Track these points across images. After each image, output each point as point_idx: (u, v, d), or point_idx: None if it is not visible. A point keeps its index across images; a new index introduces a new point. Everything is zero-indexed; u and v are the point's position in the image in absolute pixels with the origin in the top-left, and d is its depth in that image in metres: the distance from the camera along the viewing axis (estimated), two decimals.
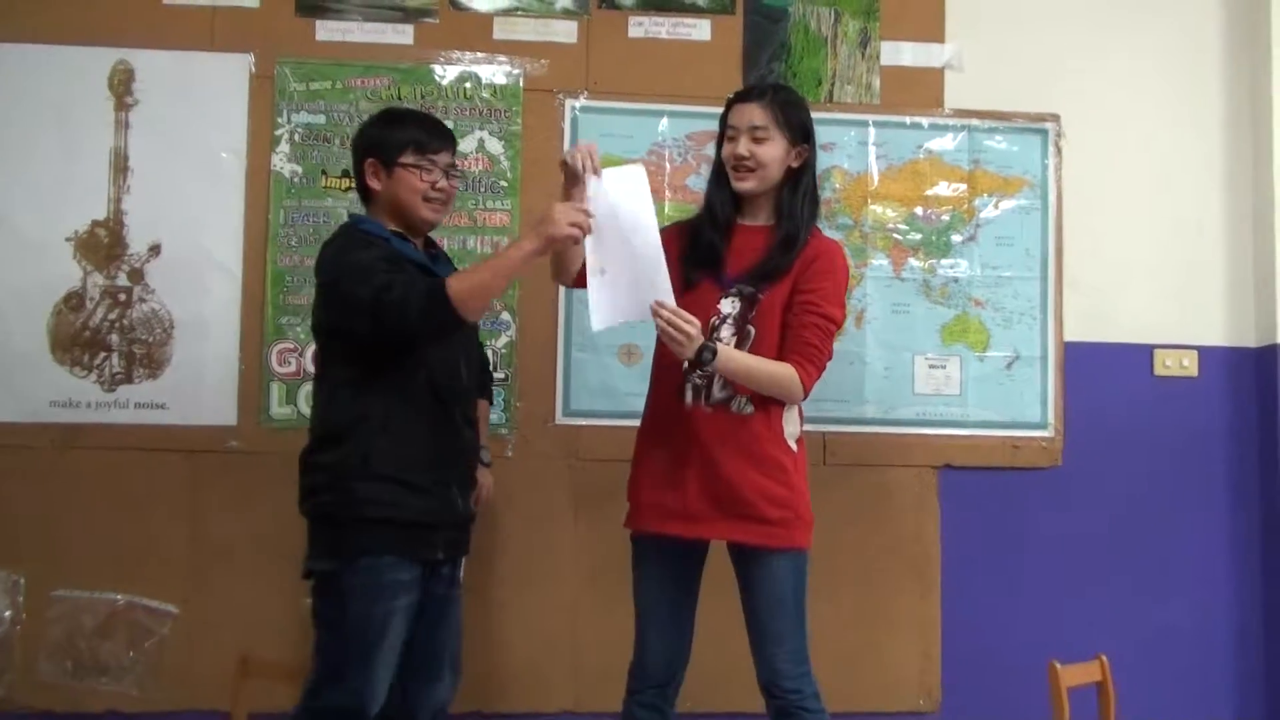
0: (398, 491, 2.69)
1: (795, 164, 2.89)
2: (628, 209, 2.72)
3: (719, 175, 2.94)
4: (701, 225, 2.92)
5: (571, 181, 2.79)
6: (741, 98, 2.93)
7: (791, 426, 2.87)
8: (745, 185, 2.88)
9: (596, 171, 2.73)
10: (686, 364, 2.81)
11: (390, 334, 2.65)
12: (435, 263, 2.89)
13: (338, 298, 2.72)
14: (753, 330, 2.82)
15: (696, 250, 2.88)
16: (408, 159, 2.80)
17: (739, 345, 2.81)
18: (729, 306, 2.84)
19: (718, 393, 2.82)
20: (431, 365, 2.75)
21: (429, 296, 2.59)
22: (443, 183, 2.85)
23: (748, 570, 2.87)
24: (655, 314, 2.67)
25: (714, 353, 2.70)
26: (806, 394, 2.81)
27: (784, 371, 2.78)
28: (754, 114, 2.86)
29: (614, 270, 2.70)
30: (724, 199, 2.92)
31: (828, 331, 2.82)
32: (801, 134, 2.89)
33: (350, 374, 2.76)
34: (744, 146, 2.85)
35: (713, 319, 2.84)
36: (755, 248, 2.87)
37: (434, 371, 2.76)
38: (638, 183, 2.75)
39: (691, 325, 2.67)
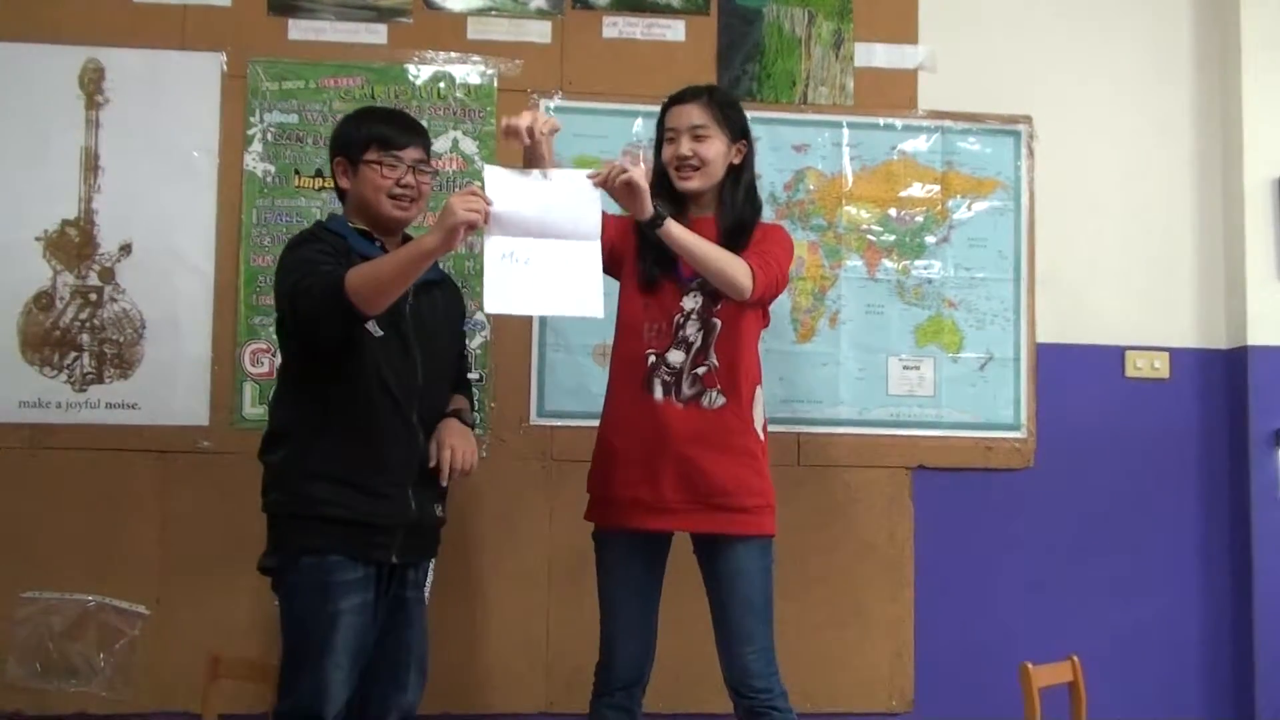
0: (343, 492, 2.65)
1: (736, 160, 2.95)
2: (566, 210, 2.66)
3: (662, 179, 2.92)
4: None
5: (528, 154, 2.75)
6: (678, 99, 2.95)
7: (759, 415, 2.91)
8: (689, 185, 2.90)
9: (541, 135, 2.68)
10: (651, 355, 2.86)
11: (303, 324, 2.64)
12: None
13: (274, 290, 2.78)
14: (718, 323, 2.85)
15: (649, 249, 2.89)
16: (371, 156, 2.77)
17: (704, 339, 2.86)
18: (691, 302, 2.87)
19: (687, 389, 2.85)
20: (380, 365, 2.70)
21: (327, 286, 2.56)
22: (408, 179, 2.79)
23: (716, 566, 2.88)
24: (611, 176, 2.65)
25: (665, 215, 2.72)
26: (754, 292, 2.78)
27: (731, 257, 2.78)
28: (693, 114, 2.90)
29: (534, 261, 2.62)
30: (671, 197, 2.91)
31: (779, 261, 2.87)
32: (740, 131, 2.95)
33: (297, 372, 2.76)
34: (686, 146, 2.89)
35: (676, 316, 2.87)
36: (705, 239, 2.84)
37: (383, 371, 2.70)
38: (584, 189, 2.68)
39: (638, 170, 2.68)
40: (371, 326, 2.68)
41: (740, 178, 2.96)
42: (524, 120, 2.69)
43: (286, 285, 2.66)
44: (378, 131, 2.80)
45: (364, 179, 2.78)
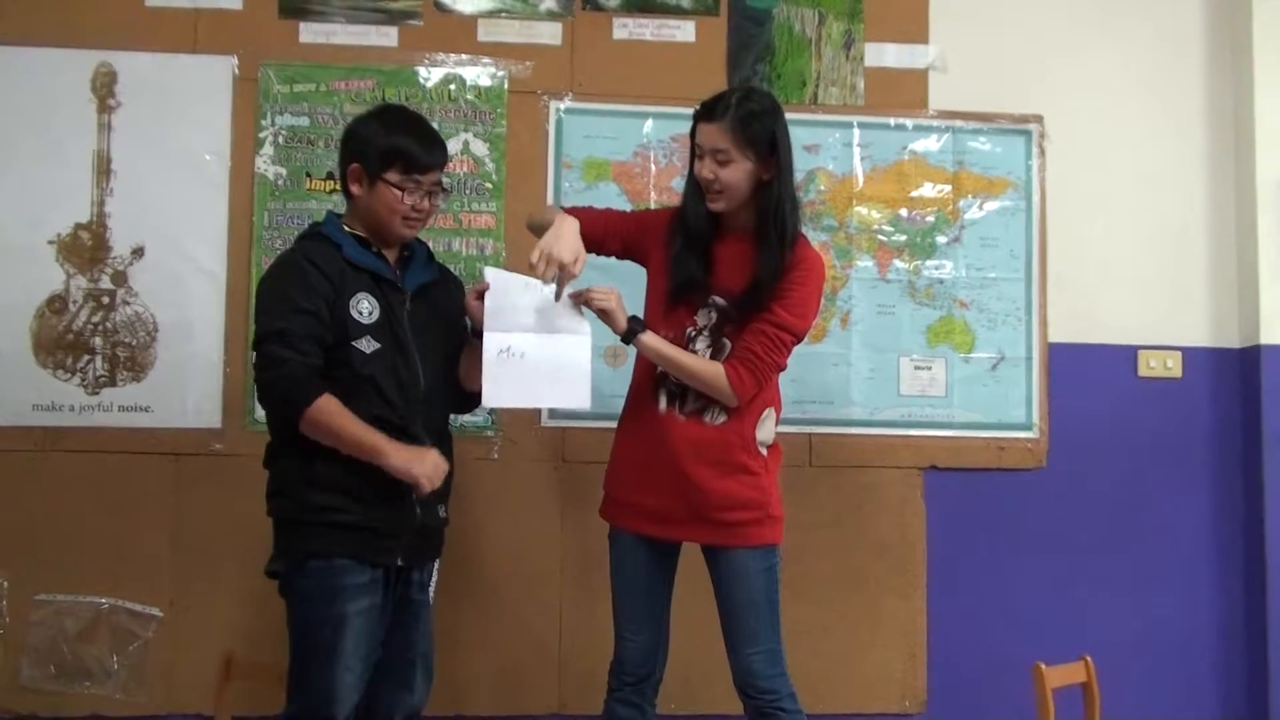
0: (348, 499, 2.64)
1: (767, 176, 2.81)
2: (556, 311, 2.82)
3: (695, 189, 2.87)
4: (682, 253, 2.87)
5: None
6: (703, 116, 2.82)
7: (764, 434, 2.89)
8: (716, 207, 2.84)
9: (562, 283, 2.79)
10: (658, 369, 2.86)
11: (256, 378, 2.70)
12: (408, 265, 2.83)
13: (256, 303, 2.77)
14: (727, 343, 2.83)
15: (680, 274, 2.86)
16: (392, 176, 2.70)
17: (714, 357, 2.83)
18: (704, 319, 2.86)
19: (692, 403, 2.84)
20: (377, 376, 2.68)
21: (291, 387, 2.61)
22: (424, 204, 2.76)
23: (719, 570, 2.89)
24: (593, 301, 2.81)
25: (638, 330, 2.80)
26: (743, 398, 2.80)
27: (710, 370, 2.80)
28: (715, 137, 2.78)
29: (528, 355, 2.77)
30: (699, 213, 2.86)
31: (778, 340, 2.81)
32: (768, 147, 2.79)
33: None
34: (708, 170, 2.80)
35: (688, 329, 2.86)
36: (739, 254, 2.85)
37: (381, 382, 2.68)
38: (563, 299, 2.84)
39: (610, 296, 2.80)
40: (363, 343, 2.67)
41: (772, 193, 2.80)
42: (548, 275, 2.77)
43: (260, 327, 2.67)
44: (403, 149, 2.71)
45: (379, 197, 2.73)
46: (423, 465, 2.65)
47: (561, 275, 2.77)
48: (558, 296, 2.80)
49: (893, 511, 3.80)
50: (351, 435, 2.62)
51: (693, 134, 2.87)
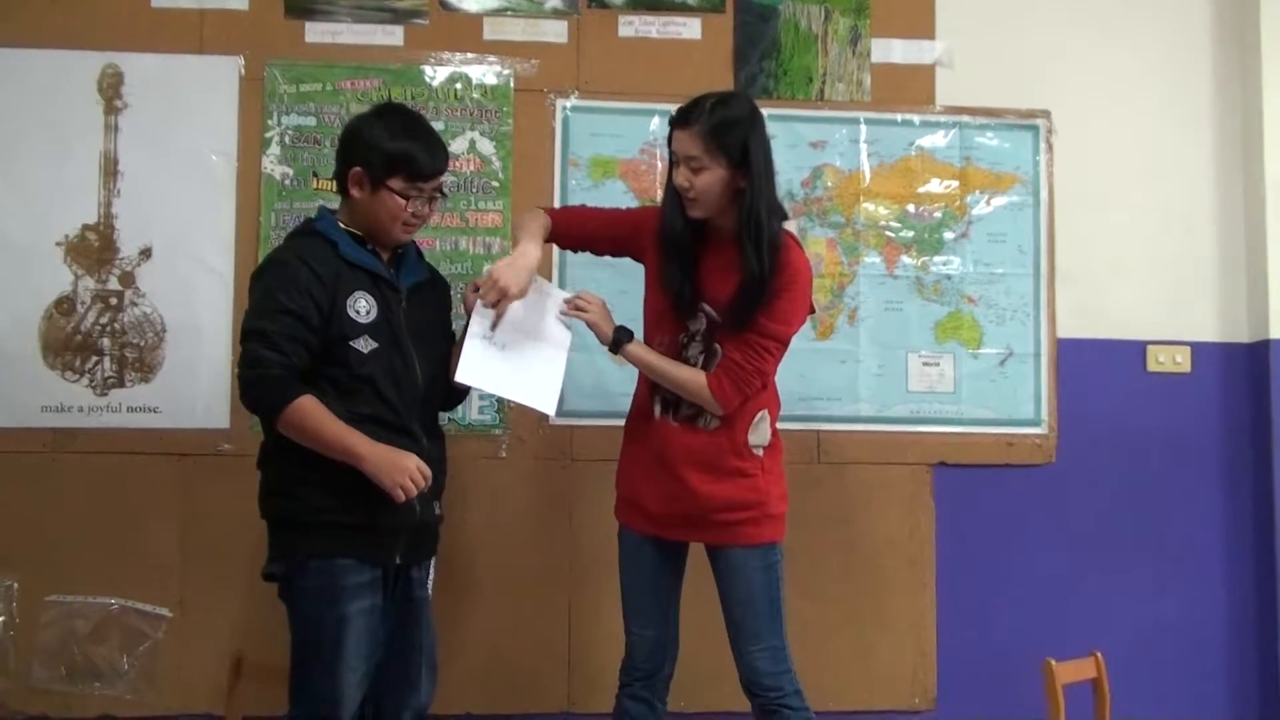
0: (348, 498, 2.62)
1: (743, 184, 2.77)
2: (546, 317, 2.87)
3: (674, 197, 2.84)
4: (668, 266, 2.85)
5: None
6: (678, 123, 2.78)
7: (757, 437, 2.89)
8: (693, 214, 2.82)
9: (500, 311, 2.79)
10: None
11: (239, 371, 2.68)
12: (402, 263, 2.82)
13: (249, 296, 2.74)
14: (719, 349, 2.84)
15: (668, 288, 2.86)
16: (395, 184, 2.68)
17: (705, 362, 2.84)
18: (696, 324, 2.87)
19: (685, 409, 2.86)
20: (376, 378, 2.67)
21: (268, 388, 2.60)
22: (424, 210, 2.76)
23: (719, 569, 2.91)
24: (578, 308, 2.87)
25: (624, 340, 2.84)
26: (726, 408, 2.81)
27: (693, 380, 2.82)
28: (687, 144, 2.75)
29: (508, 348, 2.80)
30: (678, 221, 2.84)
31: (760, 348, 2.80)
32: (740, 155, 2.74)
33: None
34: (683, 178, 2.78)
35: (681, 336, 2.87)
36: (726, 262, 2.83)
37: (380, 384, 2.67)
38: (554, 303, 2.89)
39: (593, 307, 2.86)
40: (360, 343, 2.66)
41: (749, 200, 2.75)
42: (489, 298, 2.76)
43: (244, 326, 2.66)
44: (409, 156, 2.69)
45: (381, 203, 2.71)
46: (400, 472, 2.60)
47: (500, 306, 2.76)
48: (494, 326, 2.78)
49: (901, 508, 3.79)
50: (330, 436, 2.60)
51: (669, 141, 2.84)
